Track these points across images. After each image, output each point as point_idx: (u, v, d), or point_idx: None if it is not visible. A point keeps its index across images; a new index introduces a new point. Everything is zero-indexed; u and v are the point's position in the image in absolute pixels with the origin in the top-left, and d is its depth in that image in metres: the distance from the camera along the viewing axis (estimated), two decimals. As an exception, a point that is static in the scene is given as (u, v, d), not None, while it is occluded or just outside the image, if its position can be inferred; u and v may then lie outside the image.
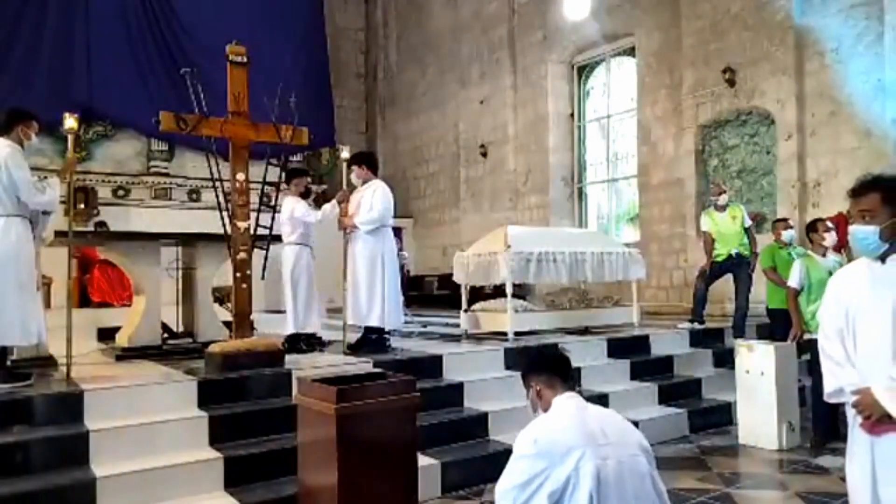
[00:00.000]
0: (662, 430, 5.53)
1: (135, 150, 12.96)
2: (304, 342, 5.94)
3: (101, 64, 12.13)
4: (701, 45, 9.00)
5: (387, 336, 5.82)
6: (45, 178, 4.66)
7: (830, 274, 5.34)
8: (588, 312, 7.22)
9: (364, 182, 5.85)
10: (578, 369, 5.89)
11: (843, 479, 3.71)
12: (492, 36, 12.64)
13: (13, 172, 4.17)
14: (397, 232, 8.30)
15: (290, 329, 5.95)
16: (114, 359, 5.41)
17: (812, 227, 5.60)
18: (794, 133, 8.04)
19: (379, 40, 15.98)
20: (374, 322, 5.61)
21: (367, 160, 5.99)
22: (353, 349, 5.60)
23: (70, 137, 4.47)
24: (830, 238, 5.48)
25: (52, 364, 4.86)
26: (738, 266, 6.98)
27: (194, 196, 13.09)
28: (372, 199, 5.63)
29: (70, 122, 4.39)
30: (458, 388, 5.15)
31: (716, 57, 8.78)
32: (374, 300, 5.60)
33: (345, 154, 5.73)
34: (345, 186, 5.76)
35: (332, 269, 10.24)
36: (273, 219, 5.23)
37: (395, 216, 6.26)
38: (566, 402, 2.31)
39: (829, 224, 5.63)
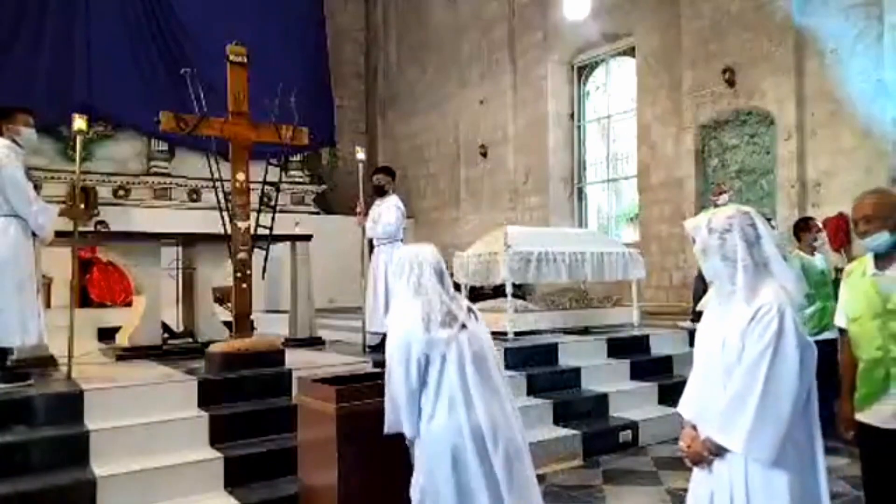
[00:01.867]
0: (662, 430, 5.53)
1: (135, 150, 12.96)
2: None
3: (101, 64, 12.14)
4: (701, 45, 9.00)
5: None
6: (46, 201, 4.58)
7: (822, 273, 5.38)
8: (588, 312, 7.22)
9: (384, 191, 6.05)
10: (578, 369, 5.90)
11: (843, 479, 3.72)
12: (492, 36, 12.64)
13: (3, 171, 4.13)
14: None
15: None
16: (114, 359, 5.41)
17: (804, 227, 5.62)
18: (794, 133, 8.04)
19: (379, 40, 15.98)
20: None
21: (390, 171, 6.41)
22: (374, 350, 5.71)
23: (79, 139, 4.45)
24: (822, 237, 5.57)
25: (52, 364, 4.86)
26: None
27: (194, 196, 13.09)
28: (388, 214, 5.96)
29: (79, 123, 4.36)
30: (458, 388, 5.14)
31: (716, 57, 8.78)
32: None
33: (360, 155, 5.89)
34: (360, 184, 5.91)
35: (335, 272, 10.34)
36: (273, 219, 5.22)
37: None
38: None
39: (819, 225, 5.73)
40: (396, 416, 2.89)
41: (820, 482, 2.18)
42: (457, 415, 2.81)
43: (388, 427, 2.92)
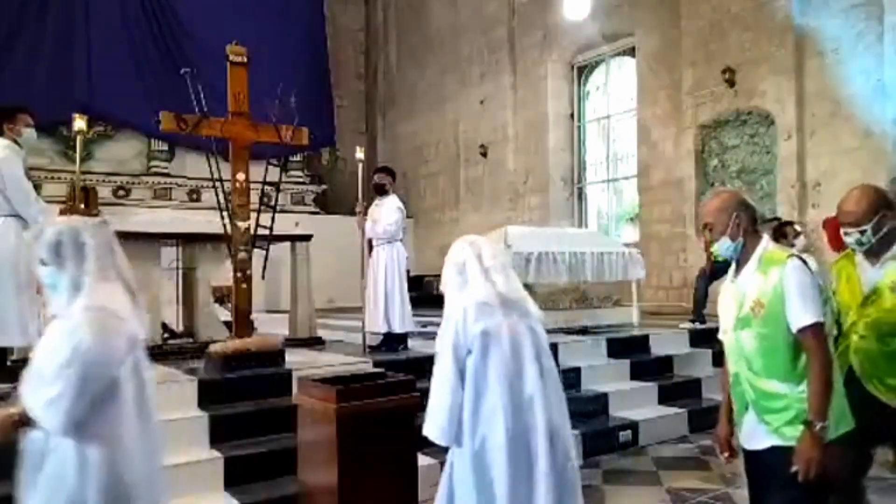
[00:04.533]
0: (662, 430, 5.54)
1: (135, 150, 12.96)
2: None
3: (101, 64, 12.14)
4: (701, 45, 9.00)
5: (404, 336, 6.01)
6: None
7: None
8: (588, 312, 7.22)
9: (384, 191, 6.05)
10: (578, 369, 5.90)
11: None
12: (492, 36, 12.64)
13: (3, 171, 4.14)
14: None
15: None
16: (114, 359, 5.40)
17: (780, 233, 5.70)
18: (794, 133, 8.04)
19: (379, 40, 15.98)
20: (396, 328, 5.80)
21: (390, 171, 6.38)
22: (374, 350, 5.72)
23: (79, 139, 4.45)
24: (801, 241, 5.92)
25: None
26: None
27: (194, 196, 13.09)
28: (389, 214, 5.97)
29: (79, 123, 4.37)
30: (458, 388, 5.14)
31: (716, 57, 8.78)
32: (395, 307, 5.82)
33: (360, 155, 5.87)
34: (359, 184, 5.90)
35: (335, 272, 10.33)
36: (273, 219, 5.22)
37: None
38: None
39: (798, 228, 5.84)
40: None
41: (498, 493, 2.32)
42: None
43: None
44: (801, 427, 2.16)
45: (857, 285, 2.77)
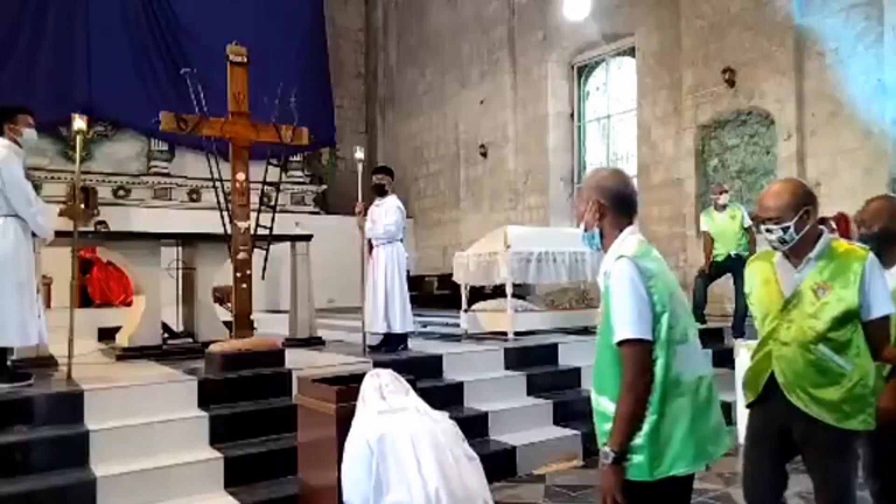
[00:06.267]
0: (662, 430, 5.53)
1: (135, 150, 12.95)
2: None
3: (101, 64, 12.13)
4: (701, 45, 9.00)
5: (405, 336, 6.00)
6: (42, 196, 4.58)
7: None
8: (588, 312, 7.21)
9: (384, 191, 6.04)
10: (578, 369, 5.90)
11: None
12: (492, 36, 12.64)
13: (3, 171, 4.14)
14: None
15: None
16: (114, 359, 5.41)
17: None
18: (794, 133, 8.03)
19: (379, 40, 15.99)
20: (397, 328, 5.80)
21: (389, 171, 6.33)
22: (374, 350, 5.72)
23: (79, 139, 4.45)
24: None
25: (52, 364, 4.86)
26: (738, 266, 6.98)
27: (194, 196, 13.09)
28: (389, 214, 5.94)
29: (79, 123, 4.36)
30: (458, 388, 5.15)
31: (716, 57, 8.78)
32: (395, 307, 5.80)
33: (359, 154, 5.86)
34: (359, 184, 5.89)
35: (335, 272, 10.34)
36: (273, 219, 5.22)
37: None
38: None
39: (833, 224, 5.70)
40: None
41: None
42: None
43: None
44: (634, 457, 1.92)
45: (775, 288, 2.43)
